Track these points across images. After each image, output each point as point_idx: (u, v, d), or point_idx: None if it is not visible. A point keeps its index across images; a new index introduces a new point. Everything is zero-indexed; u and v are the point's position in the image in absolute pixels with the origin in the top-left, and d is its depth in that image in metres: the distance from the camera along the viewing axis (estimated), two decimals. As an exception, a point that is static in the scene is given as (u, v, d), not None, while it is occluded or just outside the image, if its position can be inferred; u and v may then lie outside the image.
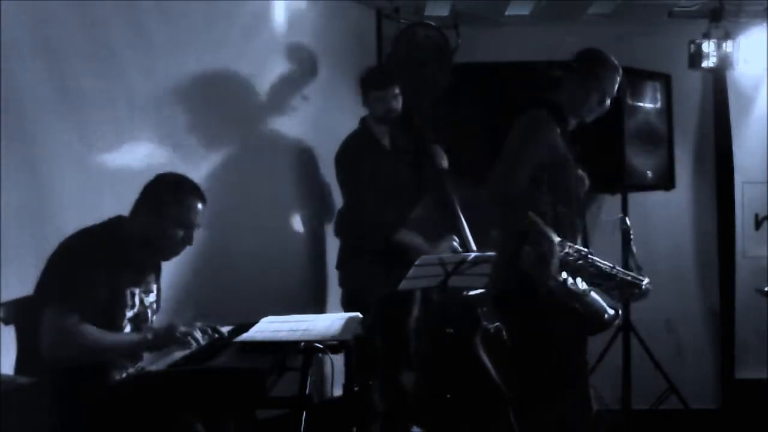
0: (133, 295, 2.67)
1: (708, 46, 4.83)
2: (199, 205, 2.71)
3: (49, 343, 2.44)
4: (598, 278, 2.92)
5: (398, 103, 4.06)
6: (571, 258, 2.79)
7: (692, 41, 4.89)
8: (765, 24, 4.99)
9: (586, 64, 3.01)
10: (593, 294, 2.87)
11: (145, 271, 2.75)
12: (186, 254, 3.75)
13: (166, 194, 2.67)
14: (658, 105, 4.91)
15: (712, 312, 5.29)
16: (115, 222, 2.68)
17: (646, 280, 3.04)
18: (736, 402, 5.12)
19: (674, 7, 4.88)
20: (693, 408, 4.90)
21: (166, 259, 2.79)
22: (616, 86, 3.04)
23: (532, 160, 2.85)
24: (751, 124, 5.24)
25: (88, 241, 2.60)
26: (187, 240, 2.71)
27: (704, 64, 4.88)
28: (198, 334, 2.67)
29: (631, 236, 3.12)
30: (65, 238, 2.61)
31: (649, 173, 4.81)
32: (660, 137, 4.91)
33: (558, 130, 2.94)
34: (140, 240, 2.66)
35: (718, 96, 5.22)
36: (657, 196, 4.98)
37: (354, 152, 4.04)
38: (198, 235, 3.82)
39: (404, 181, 4.12)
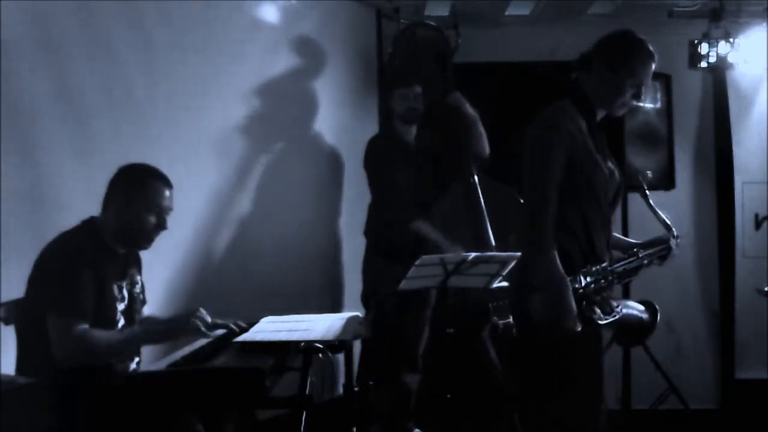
0: (120, 288, 2.71)
1: (708, 46, 4.83)
2: (166, 190, 2.74)
3: (64, 355, 2.48)
4: (627, 276, 2.83)
5: (419, 102, 4.10)
6: (592, 286, 2.67)
7: (692, 41, 4.89)
8: (765, 24, 4.99)
9: (621, 55, 2.69)
10: (623, 310, 2.76)
11: (127, 264, 2.79)
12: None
13: (132, 183, 2.71)
14: (658, 105, 4.91)
15: (712, 312, 5.28)
16: (90, 222, 2.72)
17: (671, 241, 2.93)
18: (736, 402, 5.12)
19: (674, 7, 4.88)
20: (693, 408, 4.90)
21: (143, 247, 2.80)
22: (651, 75, 2.75)
23: (557, 169, 2.65)
24: (751, 124, 5.24)
25: (73, 244, 2.63)
26: (161, 225, 2.74)
27: (704, 63, 4.88)
28: (208, 319, 2.69)
29: (647, 191, 3.03)
30: (49, 245, 2.63)
31: (649, 173, 4.80)
32: (660, 137, 4.91)
33: (583, 124, 2.72)
34: (117, 233, 2.70)
35: (718, 96, 5.22)
36: (657, 196, 4.94)
37: (378, 153, 4.07)
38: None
39: (428, 179, 4.13)
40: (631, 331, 2.92)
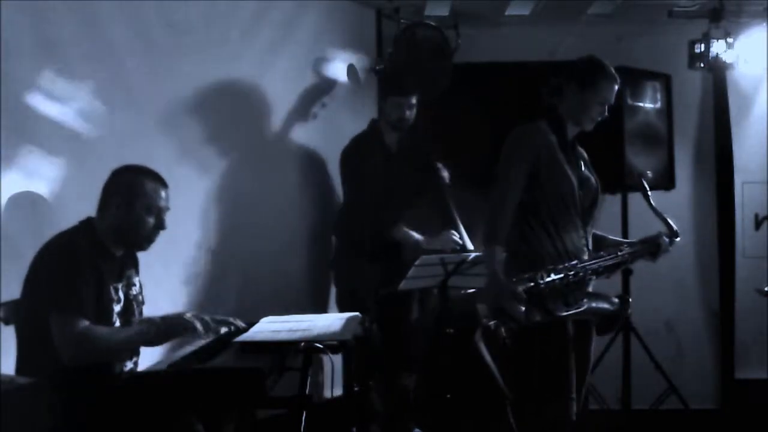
0: (117, 290, 2.71)
1: (708, 46, 4.83)
2: (163, 190, 2.75)
3: (68, 354, 2.48)
4: (605, 272, 3.06)
5: (413, 113, 4.10)
6: (556, 282, 2.89)
7: (692, 41, 4.89)
8: (765, 24, 4.99)
9: (587, 75, 3.06)
10: (592, 303, 3.02)
11: (124, 265, 2.79)
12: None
13: (129, 185, 2.72)
14: (658, 105, 4.90)
15: (712, 312, 5.28)
16: (87, 222, 2.72)
17: (662, 239, 3.15)
18: (736, 402, 5.12)
19: (674, 7, 4.88)
20: (693, 408, 4.89)
21: (143, 248, 2.81)
22: (614, 94, 3.11)
23: (519, 179, 2.98)
24: (751, 124, 5.24)
25: (72, 244, 2.63)
26: (160, 225, 2.75)
27: (703, 64, 4.88)
28: (207, 319, 2.69)
29: (648, 191, 3.26)
30: (46, 244, 2.64)
31: (649, 173, 4.80)
32: (660, 137, 4.91)
33: (554, 139, 3.04)
34: (116, 235, 2.71)
35: (718, 96, 5.22)
36: (657, 196, 4.95)
37: (359, 153, 4.07)
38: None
39: (407, 184, 4.14)
40: (603, 320, 3.14)
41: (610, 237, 3.25)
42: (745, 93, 5.23)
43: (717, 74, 5.13)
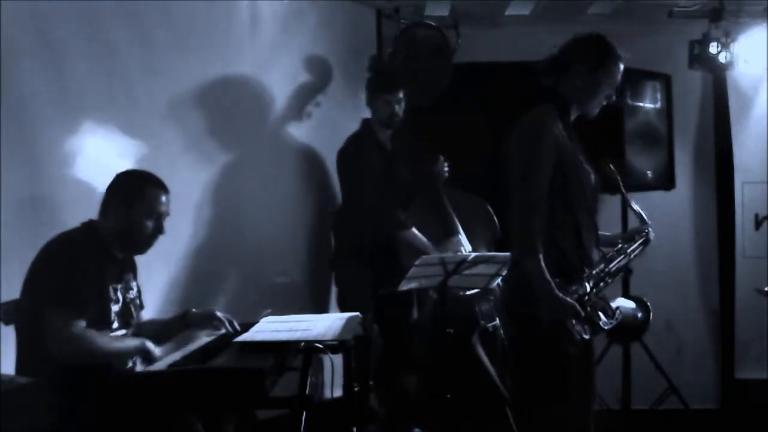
0: (115, 290, 2.74)
1: (707, 47, 4.83)
2: (163, 195, 2.79)
3: (59, 351, 2.50)
4: (618, 273, 2.80)
5: (401, 108, 4.10)
6: (594, 290, 2.65)
7: (692, 41, 4.89)
8: (765, 24, 4.99)
9: (599, 56, 2.77)
10: (620, 311, 2.70)
11: (123, 268, 2.82)
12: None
13: (131, 189, 2.76)
14: (658, 105, 4.91)
15: (712, 312, 5.28)
16: (89, 224, 2.76)
17: (646, 230, 2.92)
18: (736, 402, 5.12)
19: (674, 7, 4.88)
20: (693, 408, 4.90)
21: (142, 251, 2.84)
22: (621, 75, 2.83)
23: (546, 173, 2.64)
24: (751, 124, 5.24)
25: (73, 243, 2.66)
26: (158, 229, 2.79)
27: (703, 64, 4.87)
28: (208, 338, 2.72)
29: (620, 182, 2.98)
30: (48, 243, 2.66)
31: (649, 173, 4.81)
32: (660, 137, 4.91)
33: (560, 124, 2.74)
34: (117, 238, 2.74)
35: (718, 96, 5.22)
36: (657, 196, 4.98)
37: (356, 152, 4.07)
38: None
39: (403, 181, 4.14)
40: (626, 329, 2.87)
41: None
42: (745, 93, 5.23)
43: (717, 74, 5.13)
